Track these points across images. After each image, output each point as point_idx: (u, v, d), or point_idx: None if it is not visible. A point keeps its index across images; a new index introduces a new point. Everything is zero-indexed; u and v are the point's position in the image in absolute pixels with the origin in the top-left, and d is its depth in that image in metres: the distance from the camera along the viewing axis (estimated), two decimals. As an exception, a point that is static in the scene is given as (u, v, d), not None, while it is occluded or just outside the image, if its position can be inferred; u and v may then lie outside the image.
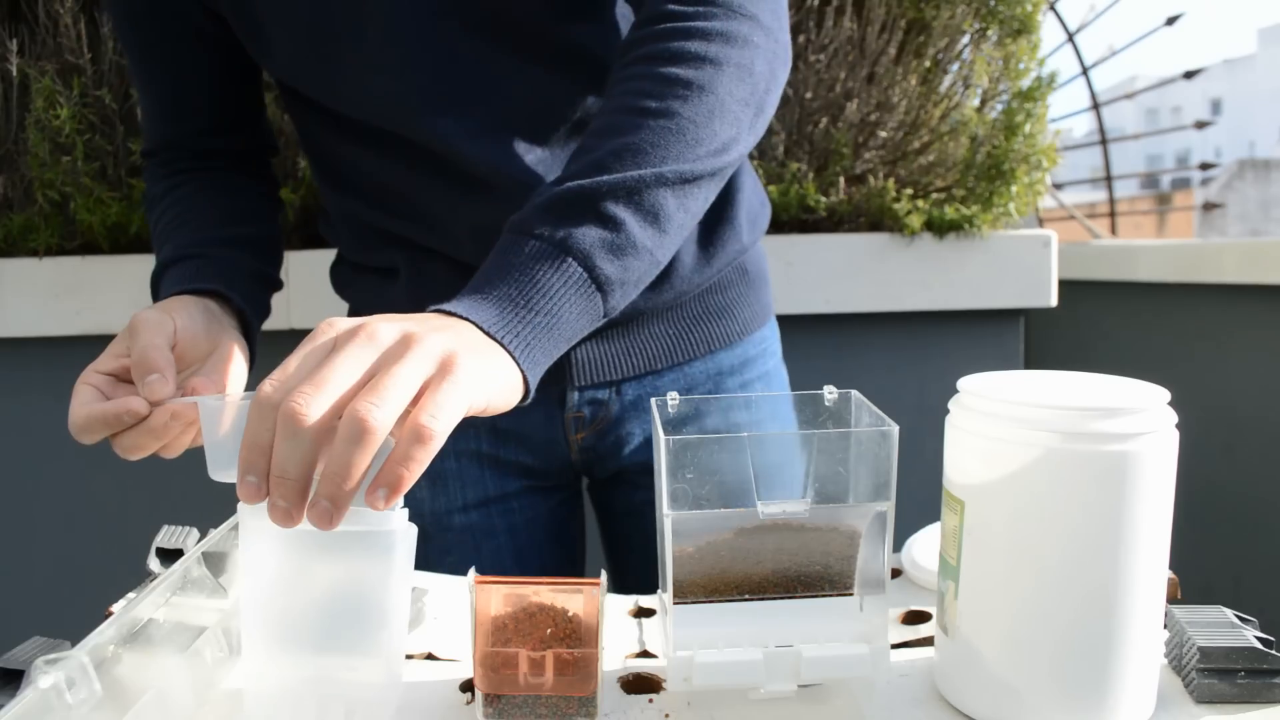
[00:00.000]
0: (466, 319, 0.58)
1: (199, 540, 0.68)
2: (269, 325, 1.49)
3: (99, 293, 1.44)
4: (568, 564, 0.96)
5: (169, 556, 0.67)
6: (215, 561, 0.61)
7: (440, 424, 0.50)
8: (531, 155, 0.79)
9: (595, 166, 0.66)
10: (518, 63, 0.79)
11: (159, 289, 0.81)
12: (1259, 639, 0.56)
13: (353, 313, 0.95)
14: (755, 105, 0.71)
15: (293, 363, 0.52)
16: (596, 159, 0.66)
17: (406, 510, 0.54)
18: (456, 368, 0.52)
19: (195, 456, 1.50)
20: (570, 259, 0.63)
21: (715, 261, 0.88)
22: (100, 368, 0.69)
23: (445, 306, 0.60)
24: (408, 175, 0.82)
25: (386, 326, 0.53)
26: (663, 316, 0.88)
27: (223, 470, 0.61)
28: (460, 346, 0.54)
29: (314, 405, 0.49)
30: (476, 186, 0.79)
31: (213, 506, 0.78)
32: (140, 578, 0.66)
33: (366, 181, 0.86)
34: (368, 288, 0.91)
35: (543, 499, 0.92)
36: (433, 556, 0.89)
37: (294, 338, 1.49)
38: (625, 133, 0.67)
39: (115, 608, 0.62)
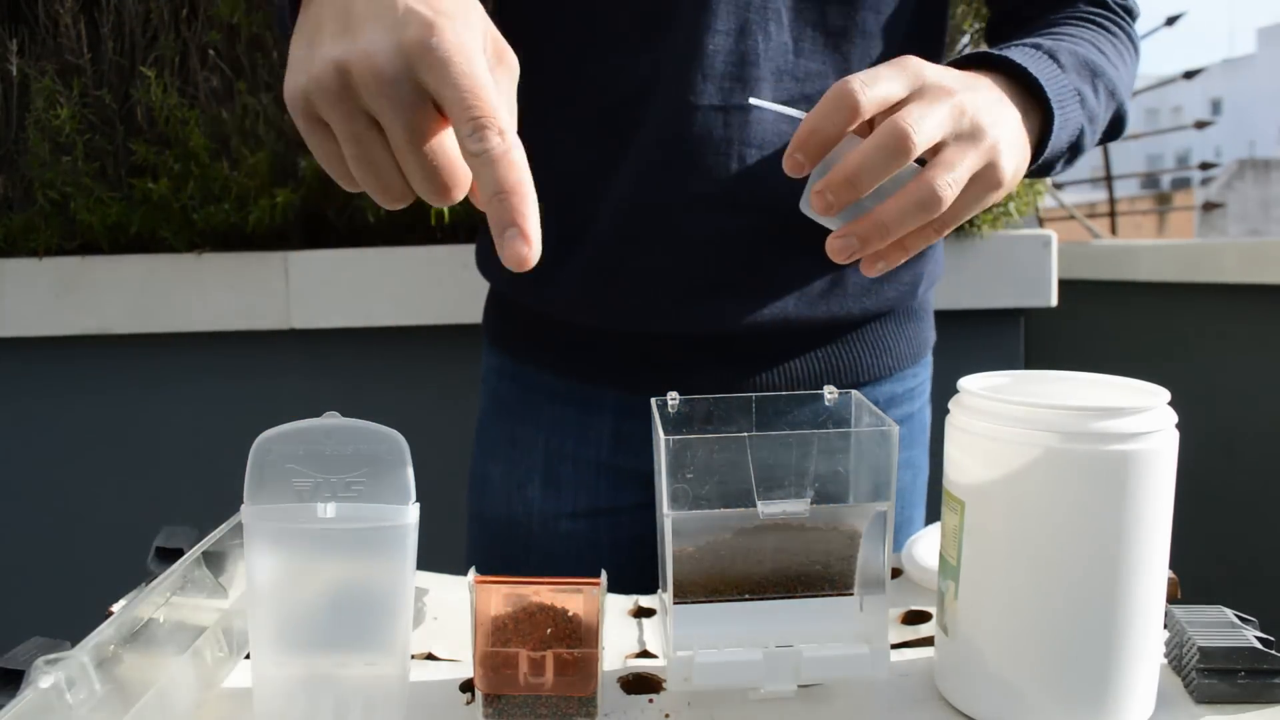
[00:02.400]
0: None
1: (199, 540, 0.68)
2: (269, 325, 1.49)
3: (99, 293, 1.44)
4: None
5: (169, 556, 0.67)
6: (215, 561, 0.61)
7: (951, 193, 0.57)
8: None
9: (1098, 55, 0.73)
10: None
11: None
12: (1259, 639, 0.56)
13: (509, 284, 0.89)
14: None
15: (882, 80, 0.57)
16: (1091, 54, 0.73)
17: (418, 505, 0.54)
18: (998, 175, 0.60)
19: (194, 456, 1.50)
20: (1085, 115, 0.71)
21: (888, 287, 0.84)
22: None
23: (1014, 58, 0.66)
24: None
25: (969, 103, 0.59)
26: (821, 336, 0.84)
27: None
28: (1007, 146, 0.60)
29: (923, 134, 0.55)
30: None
31: (213, 506, 0.78)
32: (140, 578, 0.66)
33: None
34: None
35: (653, 516, 0.90)
36: (534, 559, 0.88)
37: (294, 338, 1.49)
38: (1100, 56, 0.74)
39: (115, 608, 0.62)
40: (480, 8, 0.51)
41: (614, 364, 0.86)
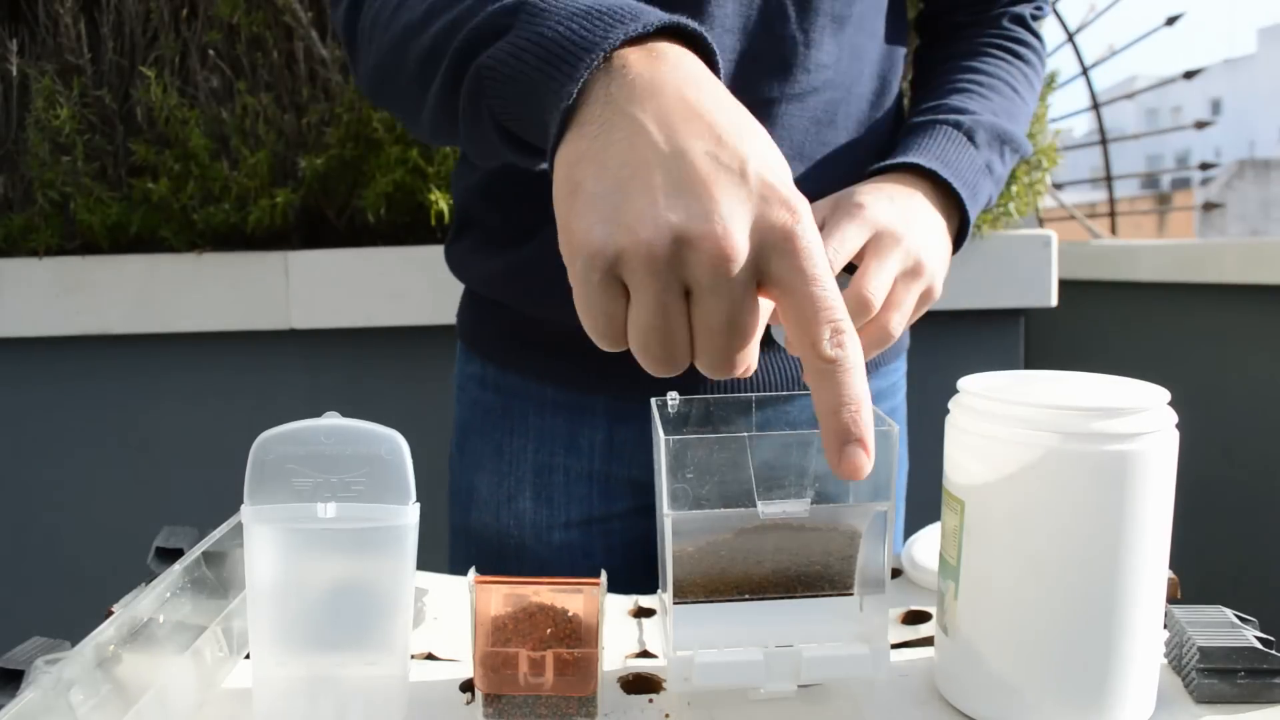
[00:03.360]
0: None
1: (199, 540, 0.68)
2: (268, 325, 1.50)
3: (99, 293, 1.44)
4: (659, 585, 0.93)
5: (169, 556, 0.67)
6: (215, 561, 0.61)
7: (901, 327, 0.68)
8: None
9: (1003, 115, 0.82)
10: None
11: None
12: (1259, 639, 0.56)
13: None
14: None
15: (849, 241, 0.66)
16: (1004, 109, 0.83)
17: (418, 505, 0.54)
18: (934, 295, 0.72)
19: (194, 456, 1.50)
20: (993, 183, 0.81)
21: None
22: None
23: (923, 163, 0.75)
24: None
25: (914, 244, 0.69)
26: None
27: None
28: (940, 268, 0.72)
29: (881, 294, 0.66)
30: None
31: (213, 506, 0.78)
32: (140, 578, 0.66)
33: None
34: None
35: (646, 520, 0.90)
36: (527, 571, 0.87)
37: (294, 338, 1.49)
38: (1010, 99, 0.84)
39: (115, 608, 0.62)
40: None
41: (608, 368, 0.85)
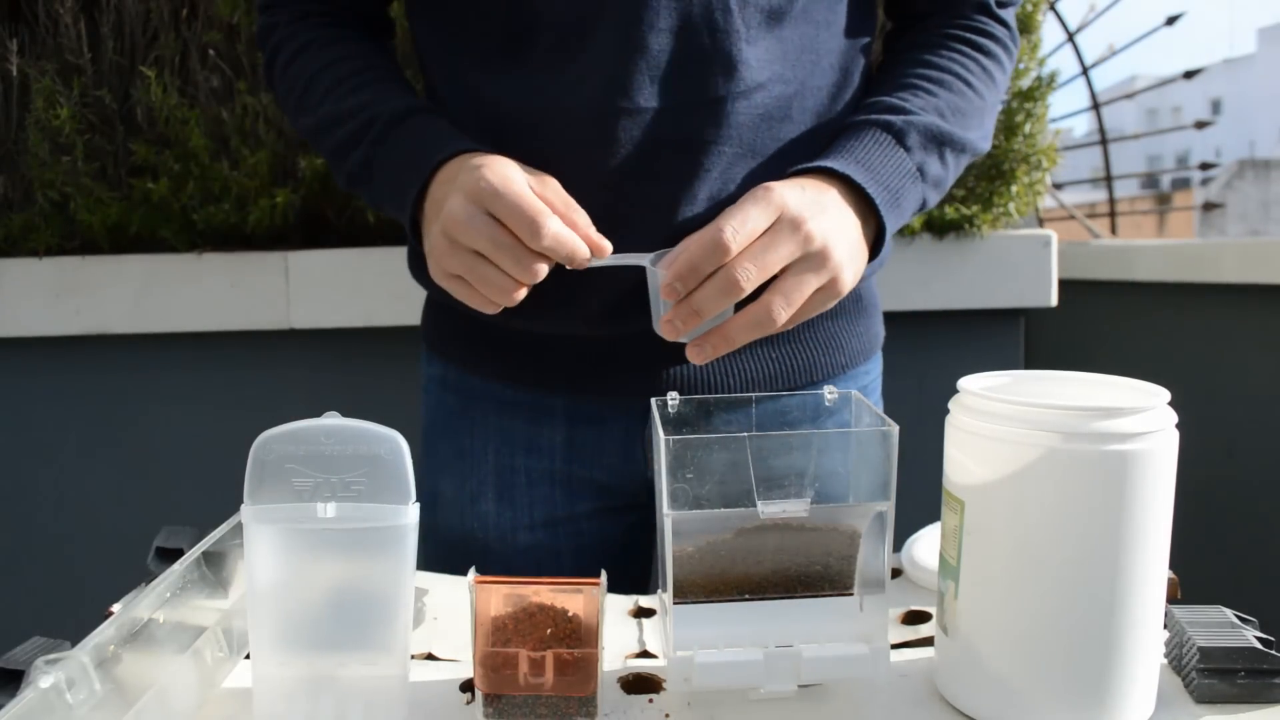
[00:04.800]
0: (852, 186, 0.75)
1: (199, 540, 0.68)
2: (269, 325, 1.49)
3: (99, 293, 1.44)
4: (634, 588, 0.92)
5: (169, 556, 0.67)
6: (215, 561, 0.61)
7: (785, 315, 0.70)
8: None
9: (949, 114, 0.80)
10: None
11: (419, 132, 0.77)
12: (1259, 639, 0.56)
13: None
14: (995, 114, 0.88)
15: (750, 220, 0.68)
16: (952, 106, 0.81)
17: (418, 505, 0.54)
18: (838, 287, 0.72)
19: (194, 456, 1.50)
20: (928, 185, 0.80)
21: None
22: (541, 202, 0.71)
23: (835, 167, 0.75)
24: None
25: (817, 230, 0.69)
26: (768, 339, 0.82)
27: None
28: (847, 261, 0.72)
29: (751, 282, 0.68)
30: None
31: (213, 506, 0.78)
32: (140, 578, 0.66)
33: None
34: None
35: (613, 521, 0.89)
36: (495, 573, 0.86)
37: (294, 338, 1.49)
38: (961, 95, 0.82)
39: (115, 608, 0.62)
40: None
41: (564, 369, 0.84)
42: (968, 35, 0.85)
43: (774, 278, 0.70)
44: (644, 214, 0.77)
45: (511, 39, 0.78)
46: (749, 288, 0.68)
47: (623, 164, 0.76)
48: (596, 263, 0.71)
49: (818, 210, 0.71)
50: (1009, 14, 0.89)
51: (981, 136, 0.84)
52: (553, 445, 0.87)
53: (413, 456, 0.54)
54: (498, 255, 0.69)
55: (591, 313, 0.80)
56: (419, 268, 0.89)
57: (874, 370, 0.94)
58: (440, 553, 0.89)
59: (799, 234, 0.69)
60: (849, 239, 0.73)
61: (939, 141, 0.79)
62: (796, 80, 0.79)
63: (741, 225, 0.68)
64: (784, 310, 0.69)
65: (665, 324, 0.71)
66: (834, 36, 0.82)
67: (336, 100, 0.80)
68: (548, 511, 0.88)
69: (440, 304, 0.92)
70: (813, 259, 0.70)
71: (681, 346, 0.72)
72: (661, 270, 0.70)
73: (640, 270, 0.73)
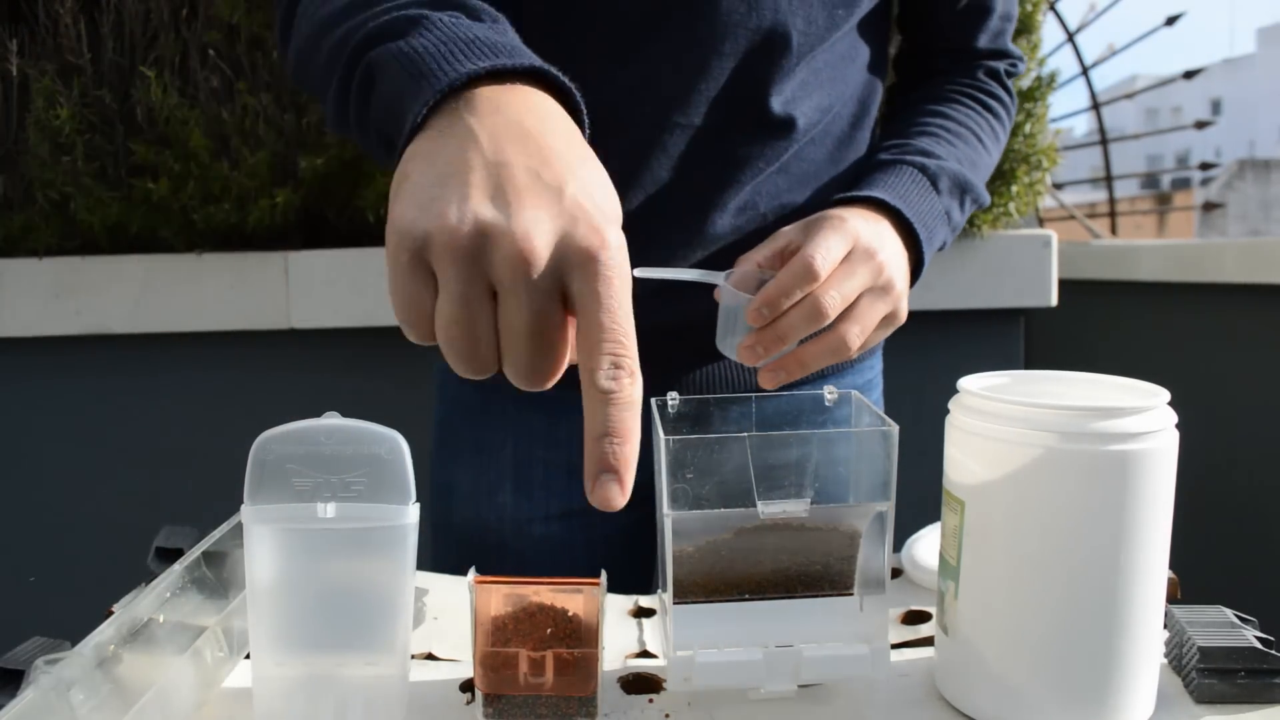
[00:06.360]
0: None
1: (199, 540, 0.68)
2: (268, 325, 1.49)
3: (99, 293, 1.44)
4: (643, 581, 0.93)
5: (169, 556, 0.67)
6: (215, 561, 0.61)
7: (859, 342, 0.71)
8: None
9: (966, 164, 0.85)
10: None
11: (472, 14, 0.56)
12: (1259, 639, 0.56)
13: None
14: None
15: (834, 250, 0.69)
16: (968, 158, 0.85)
17: (418, 505, 0.54)
18: (898, 317, 0.75)
19: (194, 456, 1.50)
20: (949, 229, 0.84)
21: None
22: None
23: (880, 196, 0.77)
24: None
25: (887, 261, 0.72)
26: None
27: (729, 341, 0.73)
28: (905, 291, 0.75)
29: (835, 310, 0.69)
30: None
31: (213, 506, 0.78)
32: (140, 578, 0.66)
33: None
34: None
35: (626, 513, 0.89)
36: (509, 564, 0.87)
37: (293, 338, 1.49)
38: (975, 149, 0.87)
39: (115, 608, 0.62)
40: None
41: None
42: (979, 95, 0.91)
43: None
44: (676, 219, 0.80)
45: (576, 35, 0.78)
46: (833, 315, 0.69)
47: (664, 173, 0.79)
48: (660, 274, 0.70)
49: (883, 242, 0.73)
50: (1013, 84, 0.95)
51: (984, 190, 0.89)
52: (570, 438, 0.88)
53: (414, 454, 0.54)
54: (515, 332, 0.49)
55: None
56: None
57: (875, 366, 0.96)
58: (454, 546, 0.91)
59: (872, 264, 0.71)
60: (904, 271, 0.76)
61: (962, 190, 0.83)
62: (825, 105, 0.83)
63: (828, 254, 0.69)
64: (858, 338, 0.72)
65: (745, 350, 0.70)
66: (858, 70, 0.86)
67: None
68: (564, 504, 0.89)
69: None
70: (881, 289, 0.72)
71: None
72: (731, 288, 0.71)
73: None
